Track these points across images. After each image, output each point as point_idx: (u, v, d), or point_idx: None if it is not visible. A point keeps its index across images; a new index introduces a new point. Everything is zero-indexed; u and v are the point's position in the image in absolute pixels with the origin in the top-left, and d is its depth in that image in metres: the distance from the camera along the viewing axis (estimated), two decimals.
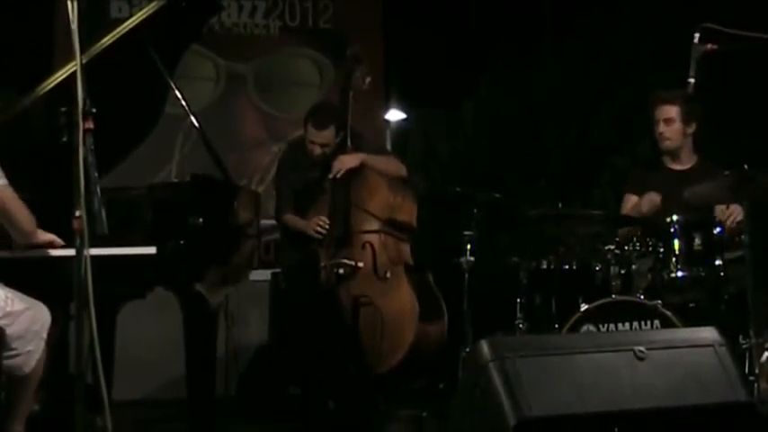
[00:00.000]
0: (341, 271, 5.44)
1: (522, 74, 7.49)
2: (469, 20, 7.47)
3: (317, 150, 5.68)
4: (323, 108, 5.86)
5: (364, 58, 5.74)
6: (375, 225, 5.58)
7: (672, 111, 5.37)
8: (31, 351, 4.00)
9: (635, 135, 6.82)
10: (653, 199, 5.34)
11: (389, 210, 5.61)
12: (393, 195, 5.64)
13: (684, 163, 5.48)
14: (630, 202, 5.50)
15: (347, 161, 5.60)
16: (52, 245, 4.15)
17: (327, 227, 5.55)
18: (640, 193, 5.47)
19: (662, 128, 5.40)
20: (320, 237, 5.57)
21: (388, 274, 5.47)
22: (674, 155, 5.46)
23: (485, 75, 7.54)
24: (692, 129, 5.42)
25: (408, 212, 5.70)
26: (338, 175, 5.57)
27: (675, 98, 5.35)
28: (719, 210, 5.18)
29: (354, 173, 5.62)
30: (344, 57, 5.79)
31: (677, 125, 5.39)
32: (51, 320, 4.08)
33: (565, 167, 7.30)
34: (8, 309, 3.94)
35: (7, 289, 4.00)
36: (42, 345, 4.02)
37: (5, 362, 3.96)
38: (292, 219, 5.83)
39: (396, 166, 5.84)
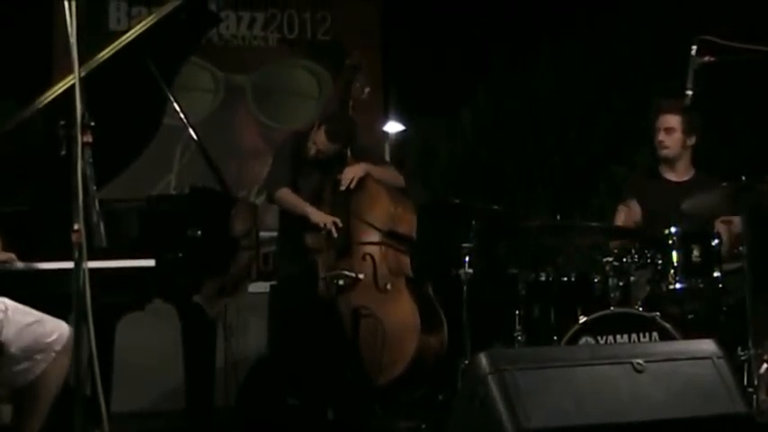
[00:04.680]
0: (341, 282, 5.44)
1: (521, 81, 7.50)
2: (467, 29, 7.48)
3: (312, 151, 5.69)
4: (341, 123, 5.76)
5: (363, 68, 5.76)
6: (376, 236, 5.59)
7: (673, 120, 5.37)
8: (36, 360, 3.97)
9: (634, 143, 6.83)
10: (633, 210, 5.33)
11: (390, 221, 5.62)
12: (394, 206, 5.65)
13: (682, 175, 5.48)
14: (623, 214, 5.49)
15: (354, 172, 5.61)
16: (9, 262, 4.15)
17: (335, 234, 5.54)
18: (633, 200, 5.48)
19: (662, 136, 5.41)
20: (326, 233, 5.54)
21: (389, 286, 5.47)
22: (672, 164, 5.47)
23: (483, 82, 7.55)
24: (692, 141, 5.42)
25: (408, 224, 5.70)
26: (351, 186, 5.58)
27: (678, 108, 5.34)
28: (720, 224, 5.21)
29: (356, 184, 5.63)
30: (343, 67, 5.81)
31: (678, 135, 5.39)
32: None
33: (563, 175, 7.30)
34: (4, 323, 3.93)
35: (12, 303, 3.98)
36: (52, 357, 3.98)
37: (5, 370, 3.95)
38: (290, 194, 5.72)
39: (395, 177, 5.86)
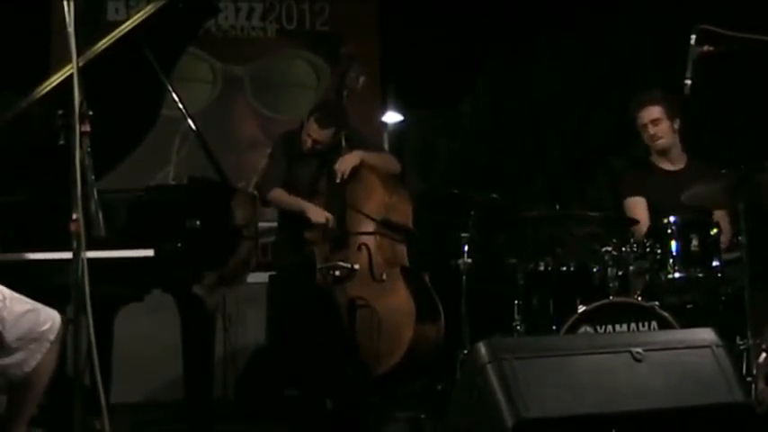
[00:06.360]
0: (337, 273, 5.45)
1: (520, 74, 7.49)
2: (466, 20, 7.47)
3: (308, 144, 5.71)
4: (329, 108, 5.83)
5: (358, 58, 5.76)
6: (371, 226, 5.59)
7: (656, 111, 5.41)
8: (32, 350, 3.96)
9: (632, 135, 6.83)
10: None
11: (385, 211, 5.62)
12: (389, 196, 5.65)
13: (676, 163, 5.49)
14: (637, 205, 5.47)
15: (349, 161, 5.61)
16: None
17: (330, 225, 5.55)
18: (639, 195, 5.47)
19: (651, 129, 5.42)
20: (319, 226, 5.54)
21: (384, 276, 5.48)
22: (666, 154, 5.47)
23: (482, 75, 7.54)
24: (677, 124, 5.44)
25: (404, 213, 5.70)
26: (345, 176, 5.58)
27: (655, 98, 5.39)
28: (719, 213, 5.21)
29: (350, 173, 5.63)
30: (339, 57, 5.81)
31: (665, 123, 5.41)
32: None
33: (562, 167, 7.31)
34: (4, 313, 3.92)
35: (8, 291, 3.98)
36: (47, 347, 3.98)
37: (2, 361, 3.94)
38: (284, 194, 5.75)
39: (391, 163, 5.87)
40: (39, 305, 4.01)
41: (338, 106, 5.76)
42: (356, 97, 5.84)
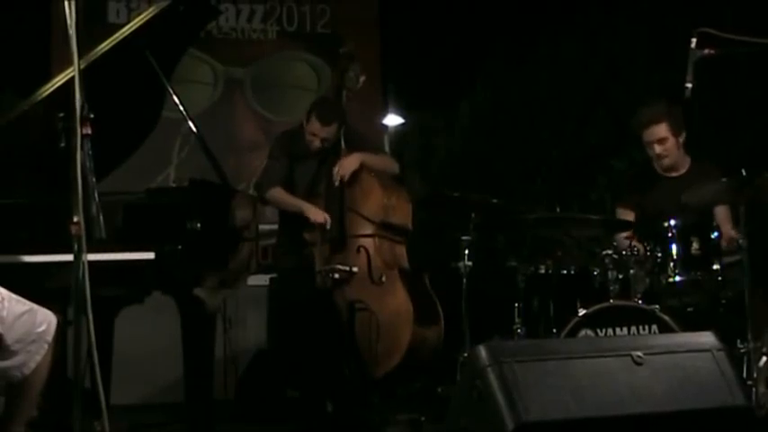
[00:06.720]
0: (336, 276, 5.44)
1: (519, 75, 7.50)
2: (466, 21, 7.48)
3: (317, 143, 5.67)
4: (328, 103, 5.80)
5: (358, 57, 5.75)
6: (369, 229, 5.58)
7: (662, 129, 5.33)
8: (30, 352, 3.96)
9: (632, 136, 6.84)
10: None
11: (384, 212, 5.61)
12: (387, 197, 5.63)
13: (679, 169, 5.47)
14: (627, 218, 5.46)
15: (348, 165, 5.60)
16: None
17: (328, 227, 5.55)
18: (636, 205, 5.45)
19: (658, 149, 5.36)
20: (318, 226, 5.55)
21: (384, 279, 5.47)
22: (672, 168, 5.45)
23: (482, 76, 7.55)
24: (683, 138, 5.40)
25: (403, 214, 5.69)
26: (344, 180, 5.57)
27: (661, 115, 5.32)
28: (720, 210, 5.20)
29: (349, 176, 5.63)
30: (339, 56, 5.81)
31: (671, 141, 5.36)
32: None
33: (562, 168, 7.31)
34: (3, 313, 3.92)
35: (6, 292, 3.97)
36: (45, 348, 3.98)
37: (2, 363, 3.94)
38: (283, 193, 5.72)
39: (389, 164, 5.86)
40: (35, 306, 4.00)
41: (337, 103, 5.74)
42: (356, 98, 5.83)
